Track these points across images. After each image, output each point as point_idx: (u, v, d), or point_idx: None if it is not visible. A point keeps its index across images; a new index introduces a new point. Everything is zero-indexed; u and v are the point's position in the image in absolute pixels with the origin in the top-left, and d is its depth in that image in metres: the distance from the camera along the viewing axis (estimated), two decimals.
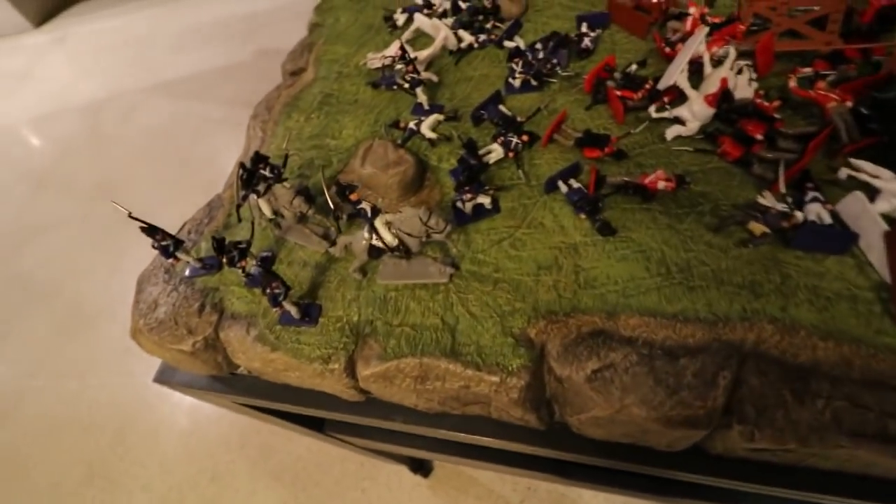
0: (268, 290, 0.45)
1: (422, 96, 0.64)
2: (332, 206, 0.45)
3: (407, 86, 0.67)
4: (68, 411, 1.99)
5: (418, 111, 0.66)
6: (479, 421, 0.52)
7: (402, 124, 0.64)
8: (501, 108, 0.61)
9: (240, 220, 0.53)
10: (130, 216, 0.50)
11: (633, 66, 0.59)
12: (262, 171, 0.51)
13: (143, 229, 0.50)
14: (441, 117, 0.63)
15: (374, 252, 0.47)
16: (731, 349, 0.41)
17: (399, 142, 0.61)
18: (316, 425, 0.91)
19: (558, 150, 0.58)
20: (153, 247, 0.52)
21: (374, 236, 0.45)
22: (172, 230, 0.57)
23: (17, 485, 1.88)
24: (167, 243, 0.51)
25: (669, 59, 0.60)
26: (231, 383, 0.62)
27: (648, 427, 0.41)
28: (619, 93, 0.57)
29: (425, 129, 0.62)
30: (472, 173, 0.52)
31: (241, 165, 0.47)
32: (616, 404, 0.41)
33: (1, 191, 2.92)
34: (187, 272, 0.57)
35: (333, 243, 0.55)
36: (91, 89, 3.43)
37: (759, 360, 0.41)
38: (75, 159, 2.99)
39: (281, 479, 1.74)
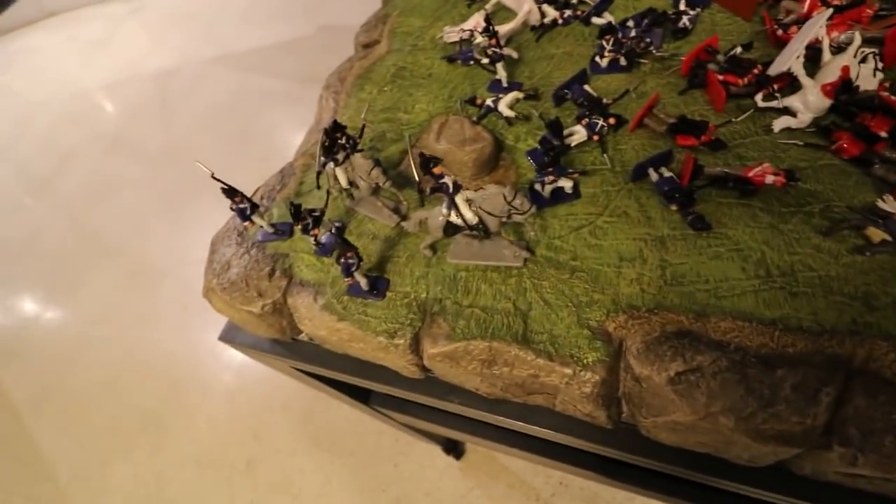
0: (342, 259, 0.45)
1: (501, 72, 0.62)
2: (416, 177, 0.43)
3: (486, 61, 0.64)
4: (128, 361, 2.13)
5: (496, 88, 0.64)
6: (540, 411, 0.50)
7: (478, 101, 0.62)
8: (586, 87, 0.58)
9: (318, 186, 0.53)
10: (213, 177, 0.51)
11: (738, 49, 0.54)
12: (340, 141, 0.51)
13: (224, 190, 0.51)
14: (520, 95, 0.60)
15: (451, 229, 0.45)
16: (838, 364, 0.37)
17: (475, 119, 0.60)
18: (363, 397, 0.93)
19: (647, 136, 0.54)
20: (231, 208, 0.53)
21: (454, 212, 0.44)
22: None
23: (79, 424, 2.04)
24: (245, 206, 0.52)
25: (780, 43, 0.55)
26: (291, 348, 0.63)
27: (734, 439, 0.38)
28: (721, 77, 0.52)
29: (503, 107, 0.59)
30: (555, 155, 0.49)
31: (325, 131, 0.47)
32: (701, 411, 0.38)
33: (76, 151, 3.12)
34: (259, 236, 0.58)
35: (404, 218, 0.54)
36: (162, 59, 3.58)
37: (868, 379, 0.37)
38: (145, 125, 3.14)
39: (319, 444, 1.79)
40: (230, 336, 0.67)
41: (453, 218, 0.44)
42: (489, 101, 0.60)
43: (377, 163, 0.50)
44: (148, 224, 2.52)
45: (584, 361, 0.42)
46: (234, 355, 1.91)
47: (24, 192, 2.91)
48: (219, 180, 0.51)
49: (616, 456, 0.50)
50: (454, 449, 1.57)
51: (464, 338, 0.45)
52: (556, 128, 0.51)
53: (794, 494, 0.45)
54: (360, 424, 1.78)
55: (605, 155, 0.52)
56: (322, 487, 1.73)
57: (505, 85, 0.63)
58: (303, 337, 0.63)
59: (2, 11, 3.65)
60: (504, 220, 0.45)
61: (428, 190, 0.44)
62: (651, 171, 0.49)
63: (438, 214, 0.45)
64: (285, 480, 1.77)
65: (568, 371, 0.42)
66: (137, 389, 2.04)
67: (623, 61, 0.59)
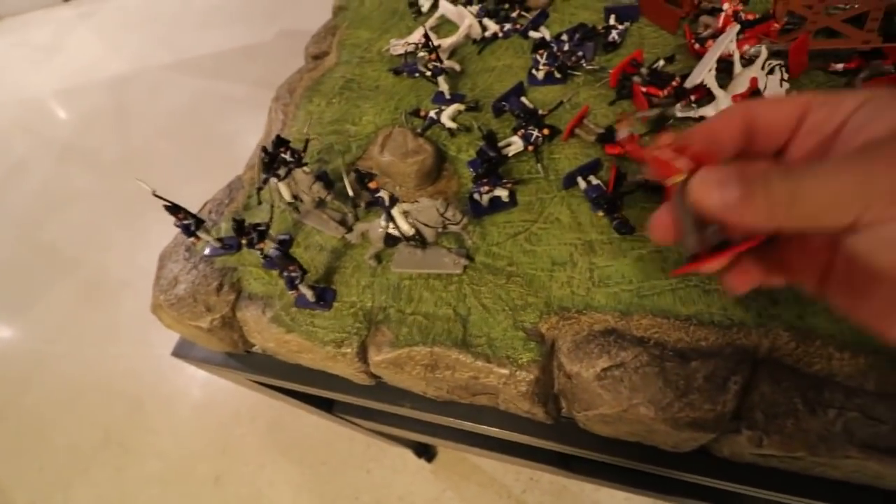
0: (284, 273, 0.46)
1: (443, 85, 0.64)
2: (350, 193, 0.45)
3: (429, 74, 0.66)
4: (88, 378, 2.06)
5: (439, 100, 0.66)
6: (487, 411, 0.53)
7: (422, 112, 0.64)
8: (523, 100, 0.60)
9: (260, 202, 0.54)
10: (154, 194, 0.51)
11: (661, 62, 0.58)
12: (282, 155, 0.52)
13: (166, 207, 0.51)
14: (462, 107, 0.62)
15: (390, 240, 0.47)
16: (745, 354, 0.41)
17: (419, 130, 0.61)
18: (325, 406, 0.93)
19: (579, 146, 0.57)
20: (175, 225, 0.54)
21: (391, 225, 0.46)
22: (193, 207, 0.58)
23: (36, 446, 1.96)
24: (189, 222, 0.52)
25: (699, 56, 0.59)
26: (246, 361, 0.64)
27: (655, 427, 0.41)
28: (644, 89, 0.56)
29: (445, 119, 0.61)
30: (491, 165, 0.51)
31: (264, 149, 0.48)
32: (624, 403, 0.41)
33: (27, 161, 2.99)
34: (207, 251, 0.58)
35: (350, 229, 0.56)
36: (117, 65, 3.47)
37: (772, 367, 0.41)
38: (100, 133, 3.04)
39: (289, 455, 1.78)
40: (184, 351, 0.67)
41: (391, 230, 0.46)
42: (432, 113, 0.62)
43: (319, 177, 0.51)
44: (105, 236, 2.44)
45: (519, 361, 0.44)
46: (198, 370, 1.88)
47: None
48: (160, 197, 0.51)
49: (559, 449, 0.53)
50: (425, 452, 1.58)
51: (406, 344, 0.47)
52: (491, 139, 0.54)
53: (719, 476, 0.49)
54: (329, 433, 1.78)
55: (538, 164, 0.55)
56: (294, 499, 1.71)
57: (448, 97, 0.65)
58: (257, 349, 0.63)
59: None
60: (440, 230, 0.47)
61: (363, 204, 0.45)
62: (580, 180, 0.52)
63: (378, 226, 0.46)
64: (255, 494, 1.74)
65: (504, 371, 0.44)
66: (98, 408, 1.97)
67: (557, 74, 0.62)
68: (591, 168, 0.53)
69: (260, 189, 0.51)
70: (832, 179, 0.19)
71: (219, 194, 0.65)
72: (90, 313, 2.14)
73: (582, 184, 0.51)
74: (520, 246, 0.50)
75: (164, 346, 2.10)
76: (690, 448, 0.45)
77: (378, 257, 0.52)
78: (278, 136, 0.52)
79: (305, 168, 0.51)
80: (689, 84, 0.54)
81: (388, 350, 0.47)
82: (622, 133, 0.29)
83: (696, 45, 0.59)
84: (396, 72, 0.72)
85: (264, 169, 0.48)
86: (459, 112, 0.62)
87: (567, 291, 0.46)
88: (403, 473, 1.63)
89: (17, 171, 2.84)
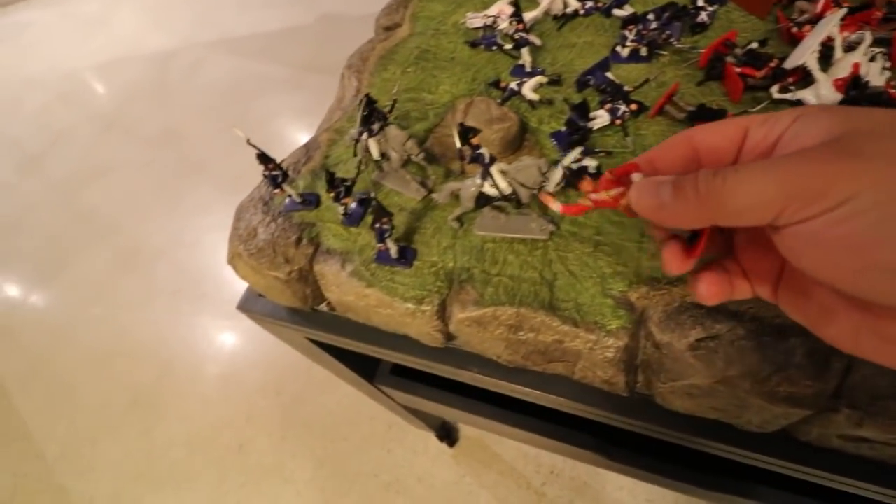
0: (377, 225, 0.46)
1: (526, 57, 0.64)
2: (458, 144, 0.45)
3: (509, 46, 0.66)
4: (120, 341, 2.11)
5: (518, 72, 0.65)
6: (557, 381, 0.53)
7: (502, 84, 0.64)
8: (609, 75, 0.60)
9: (355, 154, 0.54)
10: (249, 142, 0.52)
11: (755, 45, 0.57)
12: (360, 113, 0.52)
13: (258, 156, 0.52)
14: (544, 80, 0.62)
15: (482, 200, 0.47)
16: None
17: (499, 101, 0.61)
18: (368, 375, 0.94)
19: (666, 123, 0.56)
20: (264, 175, 0.54)
21: (488, 183, 0.46)
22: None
23: (68, 402, 2.02)
24: (277, 173, 0.53)
25: (794, 40, 0.57)
26: (310, 318, 0.65)
27: (749, 402, 0.41)
28: (739, 69, 0.55)
29: (527, 91, 0.61)
30: (582, 135, 0.51)
31: (367, 102, 0.48)
32: (718, 374, 0.40)
33: (70, 131, 3.07)
34: (286, 205, 0.59)
35: (430, 192, 0.56)
36: (160, 40, 3.54)
37: None
38: (140, 107, 3.10)
39: (311, 429, 1.80)
40: (248, 305, 0.68)
41: (487, 188, 0.46)
42: (513, 85, 0.62)
43: (415, 134, 0.51)
44: (142, 206, 2.50)
45: (608, 328, 0.44)
46: (227, 339, 1.91)
47: (14, 171, 2.86)
48: (254, 146, 0.52)
49: (627, 425, 0.53)
50: (448, 436, 1.59)
51: (492, 303, 0.47)
52: (583, 109, 0.53)
53: (796, 460, 0.48)
54: (352, 410, 1.80)
55: (626, 138, 0.55)
56: (314, 471, 1.74)
57: (528, 70, 0.65)
58: (322, 307, 0.64)
59: None
60: (535, 192, 0.47)
61: (468, 158, 0.45)
62: None
63: (471, 185, 0.47)
64: (277, 464, 1.77)
65: (592, 337, 0.44)
66: (128, 370, 2.02)
67: (644, 52, 0.62)
68: None
69: (357, 141, 0.52)
70: (754, 179, 0.21)
71: (296, 153, 0.66)
72: (125, 279, 2.20)
73: None
74: (606, 217, 0.50)
75: (195, 314, 2.15)
76: (778, 427, 0.44)
77: (461, 219, 0.52)
78: (368, 95, 0.52)
79: (399, 124, 0.52)
80: (789, 65, 0.53)
81: (472, 308, 0.47)
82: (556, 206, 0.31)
83: (794, 30, 0.58)
84: (473, 44, 0.72)
85: (363, 122, 0.48)
86: (541, 85, 0.62)
87: (657, 263, 0.46)
88: (424, 456, 1.63)
89: (61, 141, 2.92)
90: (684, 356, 0.42)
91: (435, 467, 1.62)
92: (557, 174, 0.35)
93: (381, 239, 0.47)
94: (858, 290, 0.20)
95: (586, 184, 0.28)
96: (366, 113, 0.48)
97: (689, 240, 0.26)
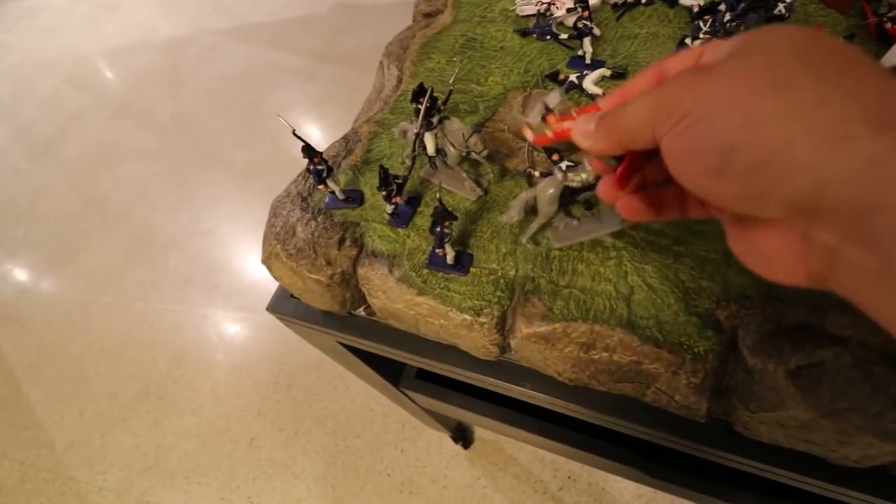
0: (438, 228, 0.42)
1: (588, 47, 0.59)
2: (528, 162, 0.40)
3: (565, 36, 0.61)
4: (131, 330, 2.09)
5: (577, 64, 0.61)
6: (621, 402, 0.48)
7: (561, 76, 0.59)
8: None
9: (414, 150, 0.50)
10: (294, 134, 0.48)
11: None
12: (425, 105, 0.48)
13: (303, 148, 0.48)
14: (607, 72, 0.57)
15: (566, 197, 0.42)
16: None
17: None
18: (394, 378, 0.91)
19: None
20: (308, 169, 0.50)
21: (570, 174, 0.41)
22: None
23: (78, 391, 2.00)
24: (322, 168, 0.49)
25: (886, 36, 0.52)
26: (346, 323, 0.61)
27: (856, 438, 0.36)
28: None
29: (588, 84, 0.57)
30: None
31: (428, 93, 0.44)
32: (824, 407, 0.36)
33: (81, 117, 3.04)
34: (327, 202, 0.55)
35: (486, 191, 0.51)
36: (172, 27, 3.49)
37: None
38: (153, 93, 3.07)
39: (323, 425, 1.77)
40: (279, 307, 0.64)
41: (570, 180, 0.41)
42: (573, 77, 0.58)
43: (477, 129, 0.47)
44: (154, 193, 2.46)
45: (695, 350, 0.40)
46: (238, 332, 1.88)
47: (25, 155, 2.84)
48: (299, 137, 0.48)
49: (700, 453, 0.49)
50: (463, 437, 1.56)
51: (563, 318, 0.42)
52: None
53: (886, 496, 0.44)
54: (365, 407, 1.77)
55: None
56: (326, 468, 1.71)
57: (588, 62, 0.60)
58: (359, 312, 0.60)
59: None
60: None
61: (538, 175, 0.41)
62: None
63: (550, 186, 0.42)
64: (288, 459, 1.75)
65: (676, 359, 0.40)
66: (139, 360, 2.00)
67: None
68: None
69: (418, 136, 0.48)
70: (639, 103, 0.24)
71: (335, 146, 0.61)
72: (136, 268, 2.17)
73: None
74: (687, 226, 0.45)
75: (207, 305, 2.11)
76: (880, 463, 0.40)
77: (535, 239, 0.47)
78: (421, 84, 0.48)
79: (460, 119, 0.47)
80: (886, 63, 0.48)
81: (540, 323, 0.43)
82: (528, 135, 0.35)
83: (889, 25, 0.53)
84: (524, 33, 0.67)
85: (424, 115, 0.44)
86: (604, 77, 0.58)
87: (748, 279, 0.42)
88: (438, 456, 1.60)
89: (72, 126, 2.89)
90: (782, 384, 0.37)
91: (449, 468, 1.59)
92: (556, 98, 0.34)
93: (441, 244, 0.43)
94: (703, 195, 0.23)
95: (552, 118, 0.32)
96: (428, 105, 0.43)
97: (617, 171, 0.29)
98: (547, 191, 0.42)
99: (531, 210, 0.44)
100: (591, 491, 1.52)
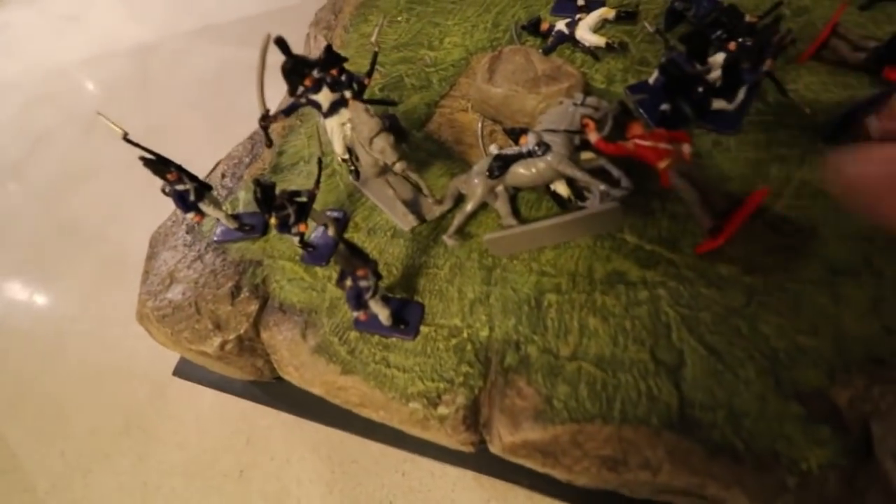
0: (347, 281, 0.25)
1: None
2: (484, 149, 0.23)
3: None
4: (110, 358, 1.94)
5: (564, 9, 0.43)
6: None
7: (543, 26, 0.41)
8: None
9: (268, 143, 0.33)
10: (125, 139, 0.31)
11: None
12: (339, 77, 0.30)
13: (146, 161, 0.31)
14: (610, 14, 0.40)
15: (498, 162, 0.26)
16: None
17: (540, 52, 0.39)
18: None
19: (825, 70, 0.34)
20: (163, 191, 0.33)
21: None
22: (215, 183, 0.39)
23: (58, 429, 1.85)
24: (185, 187, 0.32)
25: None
26: (273, 392, 0.44)
27: None
28: None
29: (584, 33, 0.39)
30: (702, 98, 0.29)
31: (280, 44, 0.27)
32: None
33: (51, 133, 2.87)
34: (217, 234, 0.38)
35: (423, 220, 0.34)
36: (140, 32, 3.31)
37: None
38: (124, 104, 2.89)
39: (317, 451, 1.62)
40: (187, 370, 0.47)
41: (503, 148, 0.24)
42: (561, 25, 0.40)
43: (386, 125, 0.29)
44: (128, 212, 2.30)
45: (802, 466, 0.22)
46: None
47: None
48: (135, 144, 0.31)
49: None
50: None
51: (569, 418, 0.25)
52: (698, 45, 0.31)
53: None
54: None
55: (783, 95, 0.32)
56: (322, 498, 1.56)
57: (581, 3, 0.42)
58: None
59: None
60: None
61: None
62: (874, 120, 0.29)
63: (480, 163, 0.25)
64: (282, 490, 1.59)
65: (769, 481, 0.23)
66: (119, 391, 1.85)
67: None
68: (873, 103, 0.30)
69: (267, 121, 0.30)
70: None
71: (236, 150, 0.44)
72: (112, 291, 2.02)
73: (877, 128, 0.29)
74: (755, 235, 0.28)
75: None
76: None
77: (461, 231, 0.30)
78: (329, 46, 0.30)
79: (368, 107, 0.29)
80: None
81: (531, 426, 0.26)
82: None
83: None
84: None
85: (290, 89, 0.27)
86: (606, 22, 0.40)
87: (874, 326, 0.24)
88: (442, 479, 1.45)
89: (42, 143, 2.73)
90: None
91: (456, 491, 1.44)
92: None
93: (359, 305, 0.26)
94: None
95: (636, 127, 0.26)
96: (288, 68, 0.26)
97: None
98: (475, 167, 0.25)
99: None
100: None
